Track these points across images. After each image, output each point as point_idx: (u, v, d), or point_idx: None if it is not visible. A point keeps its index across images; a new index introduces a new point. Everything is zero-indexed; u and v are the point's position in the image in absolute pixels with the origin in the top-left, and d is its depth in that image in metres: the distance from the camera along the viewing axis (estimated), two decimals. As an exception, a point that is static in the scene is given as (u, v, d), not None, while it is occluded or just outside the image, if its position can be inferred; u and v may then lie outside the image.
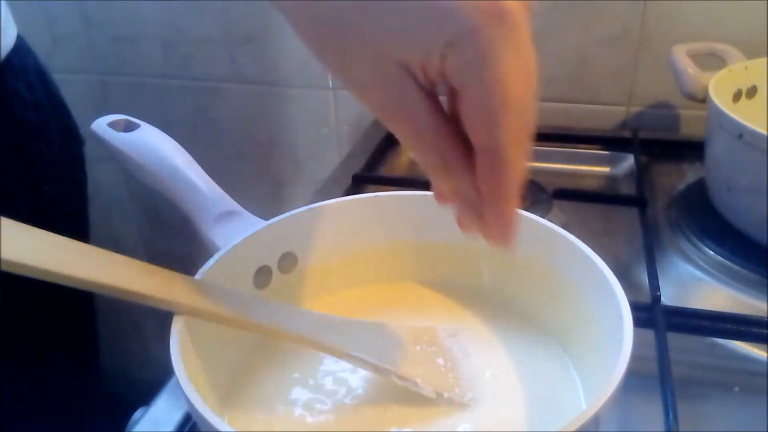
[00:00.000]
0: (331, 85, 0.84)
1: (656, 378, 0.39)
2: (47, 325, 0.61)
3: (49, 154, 0.59)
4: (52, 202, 0.60)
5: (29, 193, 0.57)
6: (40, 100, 0.59)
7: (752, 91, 0.61)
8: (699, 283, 0.52)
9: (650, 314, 0.44)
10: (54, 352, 0.63)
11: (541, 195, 0.59)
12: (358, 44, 0.26)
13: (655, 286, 0.47)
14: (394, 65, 0.25)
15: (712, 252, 0.54)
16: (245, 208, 0.43)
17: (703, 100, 0.57)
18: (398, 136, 0.27)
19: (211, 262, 0.36)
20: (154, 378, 0.40)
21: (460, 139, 0.27)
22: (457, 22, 0.23)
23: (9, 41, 0.56)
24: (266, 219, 0.40)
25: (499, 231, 0.28)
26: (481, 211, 0.28)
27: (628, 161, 0.68)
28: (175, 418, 0.39)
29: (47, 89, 0.61)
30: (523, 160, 0.26)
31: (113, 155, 0.46)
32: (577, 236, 0.37)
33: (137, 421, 0.39)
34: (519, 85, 0.24)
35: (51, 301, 0.59)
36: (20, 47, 0.58)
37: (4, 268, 0.26)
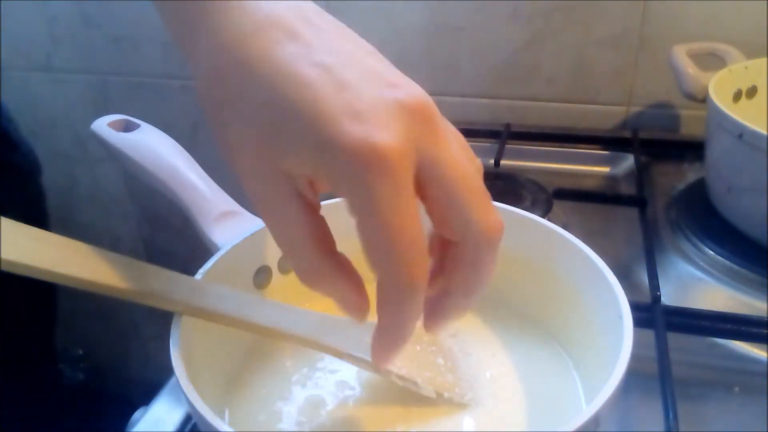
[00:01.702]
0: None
1: (656, 378, 0.39)
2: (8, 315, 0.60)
3: None
4: None
5: None
6: None
7: (752, 91, 0.61)
8: (699, 283, 0.52)
9: (650, 314, 0.44)
10: (16, 341, 0.62)
11: (541, 195, 0.59)
12: (242, 135, 0.26)
13: (655, 286, 0.47)
14: (275, 167, 0.25)
15: (712, 252, 0.54)
16: (245, 208, 0.42)
17: (703, 100, 0.57)
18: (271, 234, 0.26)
19: (211, 262, 0.36)
20: (154, 378, 0.40)
21: (333, 254, 0.27)
22: (333, 155, 0.23)
23: None
24: (266, 219, 0.40)
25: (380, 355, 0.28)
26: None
27: (628, 161, 0.68)
28: (175, 418, 0.39)
29: None
30: (417, 298, 0.25)
31: (113, 155, 0.46)
32: (577, 236, 0.37)
33: (137, 421, 0.39)
34: (399, 222, 0.23)
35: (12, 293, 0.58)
36: None
37: (4, 268, 0.26)
